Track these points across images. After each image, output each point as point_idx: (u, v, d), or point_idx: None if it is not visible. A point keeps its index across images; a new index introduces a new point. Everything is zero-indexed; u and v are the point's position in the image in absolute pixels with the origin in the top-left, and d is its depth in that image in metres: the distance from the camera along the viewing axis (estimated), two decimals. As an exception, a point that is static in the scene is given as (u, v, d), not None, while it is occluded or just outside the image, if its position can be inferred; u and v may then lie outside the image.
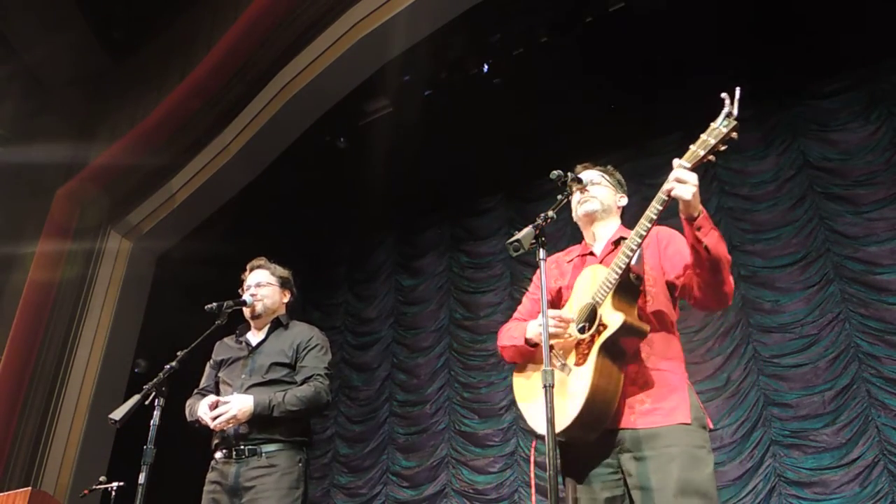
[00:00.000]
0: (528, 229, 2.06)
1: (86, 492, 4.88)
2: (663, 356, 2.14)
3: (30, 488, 4.25)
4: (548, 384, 1.87)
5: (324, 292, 8.53)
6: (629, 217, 2.46)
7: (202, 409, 2.83)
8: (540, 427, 2.11)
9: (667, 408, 2.06)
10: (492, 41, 6.42)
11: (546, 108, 6.37)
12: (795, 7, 5.48)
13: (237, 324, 3.23)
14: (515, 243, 2.03)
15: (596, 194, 2.40)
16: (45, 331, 6.68)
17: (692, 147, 1.96)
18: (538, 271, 2.48)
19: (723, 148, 1.91)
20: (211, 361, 3.17)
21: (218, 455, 2.87)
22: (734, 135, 1.90)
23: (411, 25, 5.68)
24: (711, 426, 2.14)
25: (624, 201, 2.48)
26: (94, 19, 7.09)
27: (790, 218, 5.92)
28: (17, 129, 6.78)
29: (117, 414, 2.48)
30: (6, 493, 4.23)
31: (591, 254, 2.37)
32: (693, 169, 1.94)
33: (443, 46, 6.26)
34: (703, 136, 1.94)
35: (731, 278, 2.07)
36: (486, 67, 6.56)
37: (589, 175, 2.46)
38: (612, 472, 2.06)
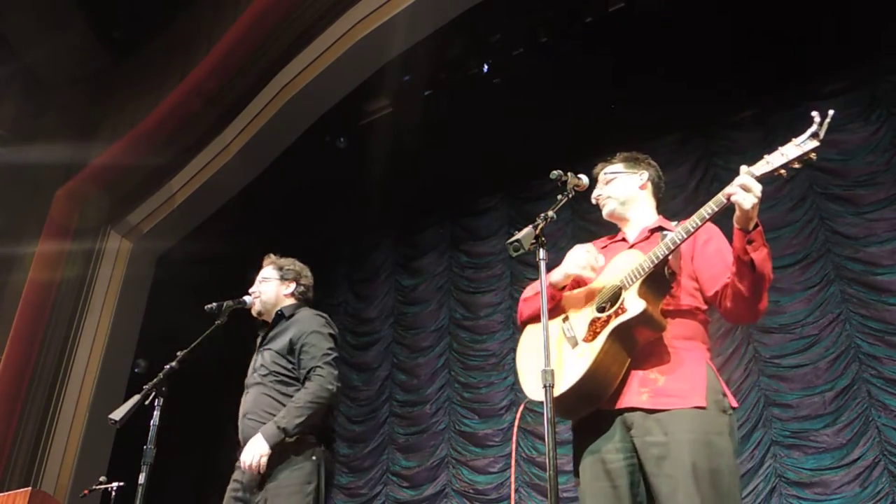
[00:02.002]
0: (528, 229, 2.05)
1: (86, 492, 4.88)
2: (679, 336, 2.07)
3: (30, 488, 4.26)
4: (547, 384, 1.84)
5: (324, 292, 8.48)
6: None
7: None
8: (530, 392, 2.13)
9: (681, 389, 1.98)
10: (492, 41, 6.43)
11: (546, 108, 6.36)
12: (795, 7, 5.48)
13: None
14: (515, 243, 2.02)
15: (610, 193, 2.37)
16: (45, 331, 6.69)
17: (766, 157, 1.89)
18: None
19: (797, 166, 1.85)
20: None
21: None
22: (813, 156, 1.83)
23: (411, 25, 5.69)
24: (735, 405, 2.05)
25: (645, 176, 2.39)
26: (94, 19, 7.09)
27: (790, 218, 5.91)
28: (17, 129, 6.78)
29: (117, 414, 2.48)
30: (6, 493, 4.24)
31: (624, 240, 2.34)
32: (760, 180, 1.88)
33: (443, 46, 6.26)
34: (781, 149, 1.87)
35: (766, 296, 2.01)
36: (486, 67, 6.56)
37: (599, 178, 2.42)
38: (626, 457, 1.98)
